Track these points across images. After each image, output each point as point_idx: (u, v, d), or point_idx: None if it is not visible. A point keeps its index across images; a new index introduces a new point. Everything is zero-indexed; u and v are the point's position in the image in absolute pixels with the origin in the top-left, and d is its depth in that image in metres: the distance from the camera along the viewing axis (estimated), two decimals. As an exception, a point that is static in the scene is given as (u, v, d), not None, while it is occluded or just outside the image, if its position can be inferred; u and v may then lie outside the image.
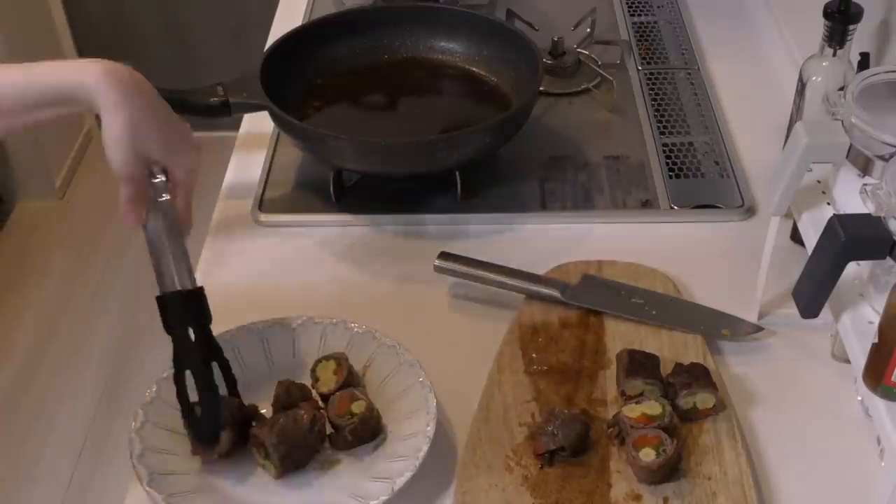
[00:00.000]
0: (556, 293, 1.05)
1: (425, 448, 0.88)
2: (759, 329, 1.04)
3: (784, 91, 1.24)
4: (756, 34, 1.56)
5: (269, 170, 1.29)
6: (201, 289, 0.90)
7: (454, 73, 1.38)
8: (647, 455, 0.86)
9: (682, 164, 1.28)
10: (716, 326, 1.03)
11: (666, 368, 0.96)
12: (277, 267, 1.16)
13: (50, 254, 2.70)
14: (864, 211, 0.82)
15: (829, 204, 0.94)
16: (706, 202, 1.22)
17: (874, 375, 0.78)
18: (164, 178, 0.90)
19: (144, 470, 0.87)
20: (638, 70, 1.48)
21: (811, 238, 0.91)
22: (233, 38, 2.83)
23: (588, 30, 1.51)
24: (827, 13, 1.06)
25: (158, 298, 0.88)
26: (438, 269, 1.09)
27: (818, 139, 0.89)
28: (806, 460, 0.92)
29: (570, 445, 0.88)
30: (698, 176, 1.26)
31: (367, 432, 0.91)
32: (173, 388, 0.92)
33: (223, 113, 1.20)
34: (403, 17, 1.40)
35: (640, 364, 0.95)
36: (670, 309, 1.05)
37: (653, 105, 1.39)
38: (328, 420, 0.92)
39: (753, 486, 0.87)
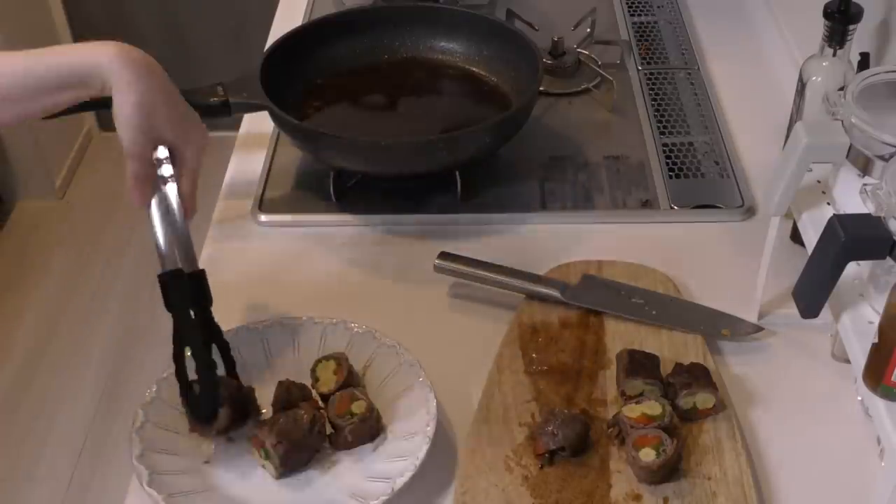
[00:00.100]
0: (556, 293, 1.05)
1: (425, 448, 0.88)
2: (759, 329, 1.04)
3: (784, 91, 1.24)
4: (756, 34, 1.56)
5: (269, 170, 1.29)
6: (203, 271, 0.92)
7: (454, 73, 1.38)
8: (647, 455, 0.86)
9: (682, 164, 1.28)
10: (716, 326, 1.03)
11: (666, 368, 0.96)
12: (277, 267, 1.16)
13: (50, 254, 2.70)
14: (864, 211, 0.82)
15: (829, 204, 0.94)
16: (706, 202, 1.22)
17: (874, 375, 0.78)
18: (170, 159, 0.91)
19: (144, 470, 0.87)
20: (638, 70, 1.48)
21: (811, 238, 0.91)
22: (233, 38, 2.83)
23: (588, 30, 1.51)
24: (827, 13, 1.06)
25: (160, 276, 0.90)
26: (438, 269, 1.09)
27: (818, 139, 0.89)
28: (806, 460, 0.92)
29: (570, 445, 0.88)
30: (698, 176, 1.26)
31: (367, 432, 0.91)
32: (173, 389, 0.93)
33: (223, 113, 1.20)
34: (403, 17, 1.40)
35: (640, 364, 0.95)
36: (670, 309, 1.05)
37: (653, 105, 1.39)
38: (328, 420, 0.92)
39: (753, 486, 0.87)
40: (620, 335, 1.02)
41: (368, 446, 0.91)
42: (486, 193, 1.24)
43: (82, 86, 0.87)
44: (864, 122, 0.86)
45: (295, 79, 1.32)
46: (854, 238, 0.79)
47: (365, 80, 1.38)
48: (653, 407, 0.90)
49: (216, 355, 0.91)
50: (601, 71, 1.44)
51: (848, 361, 0.90)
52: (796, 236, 1.07)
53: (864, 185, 0.83)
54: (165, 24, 2.84)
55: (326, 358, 0.96)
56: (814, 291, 0.86)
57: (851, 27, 1.06)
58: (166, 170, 0.91)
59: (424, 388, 0.94)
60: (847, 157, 0.89)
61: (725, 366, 1.01)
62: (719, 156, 1.29)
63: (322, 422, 0.91)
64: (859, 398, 0.95)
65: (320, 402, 0.94)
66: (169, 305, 0.89)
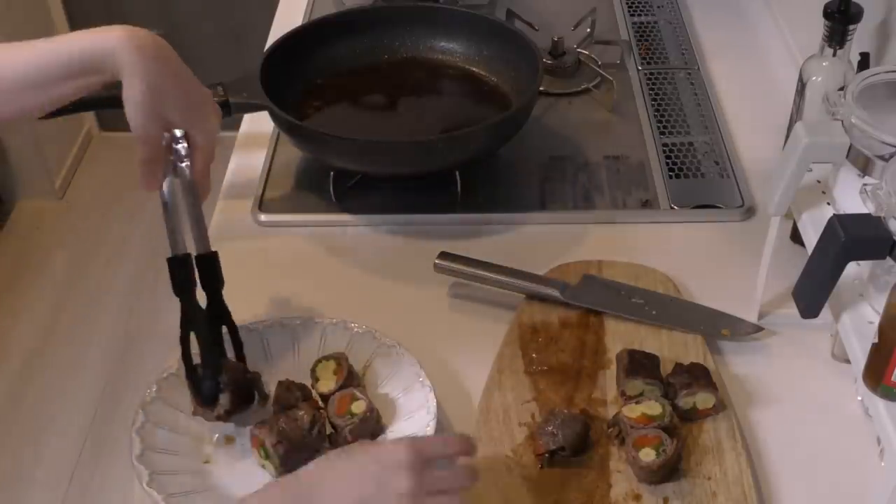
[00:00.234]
0: (556, 293, 1.05)
1: (425, 448, 0.88)
2: (759, 329, 1.04)
3: (784, 91, 1.24)
4: (756, 34, 1.56)
5: (269, 170, 1.29)
6: (215, 253, 0.93)
7: (454, 73, 1.38)
8: (647, 455, 0.86)
9: (682, 164, 1.28)
10: (716, 326, 1.03)
11: (666, 368, 0.96)
12: (277, 267, 1.16)
13: (50, 254, 2.70)
14: (864, 211, 0.82)
15: (829, 204, 0.94)
16: (706, 202, 1.22)
17: (874, 375, 0.78)
18: (182, 142, 0.92)
19: (144, 470, 0.87)
20: (638, 70, 1.48)
21: (811, 238, 0.91)
22: (233, 38, 2.83)
23: (588, 30, 1.51)
24: (827, 13, 1.06)
25: (168, 260, 0.91)
26: (438, 269, 1.09)
27: (818, 139, 0.89)
28: (806, 460, 0.92)
29: (570, 445, 0.88)
30: (698, 176, 1.26)
31: (367, 432, 0.91)
32: (173, 389, 0.93)
33: (223, 113, 1.20)
34: (403, 17, 1.40)
35: (640, 364, 0.95)
36: (670, 309, 1.05)
37: (653, 105, 1.39)
38: (328, 420, 0.92)
39: (753, 486, 0.87)
40: (620, 335, 1.02)
41: (368, 446, 0.91)
42: (486, 193, 1.24)
43: (95, 71, 0.87)
44: (864, 122, 0.86)
45: (295, 79, 1.32)
46: (854, 238, 0.79)
47: (365, 80, 1.38)
48: (653, 407, 0.90)
49: (226, 338, 0.94)
50: (601, 71, 1.44)
51: (848, 361, 0.90)
52: (796, 236, 1.07)
53: (864, 185, 0.83)
54: (165, 24, 2.84)
55: (326, 358, 0.96)
56: (814, 291, 0.86)
57: (851, 27, 1.06)
58: (178, 151, 0.92)
59: (424, 388, 0.94)
60: (847, 157, 0.89)
61: (725, 366, 1.01)
62: (719, 156, 1.29)
63: (322, 422, 0.91)
64: (859, 398, 0.95)
65: (320, 402, 0.94)
66: (176, 289, 0.91)
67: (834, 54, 1.08)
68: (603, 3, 1.62)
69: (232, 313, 0.96)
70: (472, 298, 1.10)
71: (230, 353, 0.95)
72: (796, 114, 1.15)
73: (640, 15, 1.62)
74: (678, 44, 1.54)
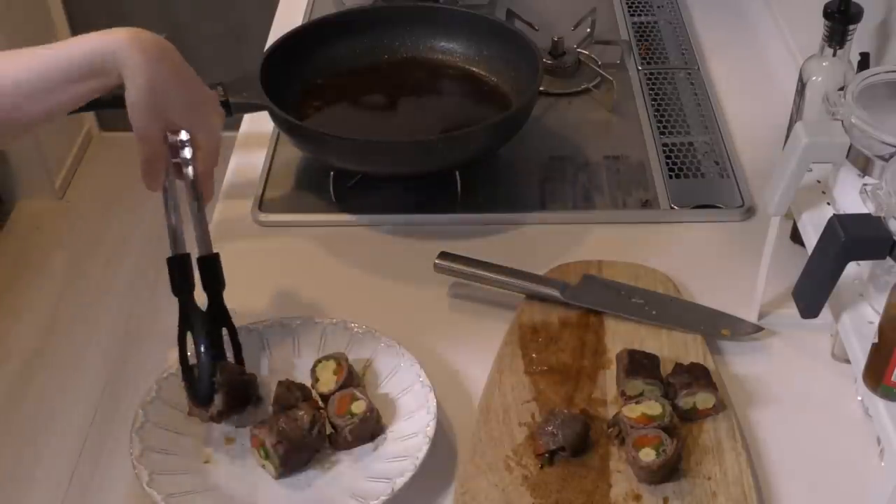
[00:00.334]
0: (556, 293, 1.05)
1: (425, 448, 0.88)
2: (759, 329, 1.04)
3: (784, 91, 1.24)
4: (756, 34, 1.56)
5: (269, 170, 1.29)
6: (217, 255, 0.94)
7: (454, 73, 1.38)
8: (647, 455, 0.86)
9: (682, 164, 1.28)
10: (716, 326, 1.03)
11: (666, 368, 0.96)
12: (277, 267, 1.16)
13: (50, 254, 2.70)
14: (864, 211, 0.82)
15: (829, 204, 0.94)
16: (706, 202, 1.22)
17: (874, 375, 0.78)
18: (187, 144, 0.92)
19: (144, 470, 0.87)
20: (638, 70, 1.48)
21: (811, 238, 0.91)
22: (233, 38, 2.83)
23: (588, 30, 1.51)
24: (827, 13, 1.06)
25: (168, 260, 0.92)
26: (438, 269, 1.09)
27: (818, 139, 0.89)
28: (806, 460, 0.92)
29: (570, 445, 0.88)
30: (698, 176, 1.26)
31: (367, 432, 0.91)
32: (173, 389, 0.94)
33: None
34: (403, 17, 1.40)
35: (640, 364, 0.95)
36: (670, 309, 1.05)
37: (653, 105, 1.39)
38: (328, 420, 0.92)
39: (753, 486, 0.87)
40: (620, 335, 1.02)
41: (368, 446, 0.91)
42: (486, 193, 1.24)
43: (101, 74, 0.87)
44: (864, 122, 0.86)
45: (295, 79, 1.32)
46: (854, 238, 0.79)
47: (365, 80, 1.38)
48: (653, 407, 0.90)
49: (226, 339, 0.94)
50: (601, 71, 1.44)
51: (848, 361, 0.90)
52: (796, 236, 1.07)
53: (864, 185, 0.83)
54: (165, 24, 2.84)
55: (326, 358, 0.96)
56: (814, 291, 0.86)
57: (851, 27, 1.06)
58: (183, 153, 0.92)
59: (424, 388, 0.94)
60: (847, 157, 0.89)
61: (725, 366, 1.01)
62: (719, 156, 1.29)
63: (322, 422, 0.91)
64: (859, 398, 0.95)
65: (320, 402, 0.94)
66: (174, 289, 0.91)
67: (834, 54, 1.08)
68: (603, 3, 1.62)
69: (232, 313, 0.96)
70: (472, 298, 1.10)
71: (229, 355, 0.95)
72: (796, 114, 1.15)
73: (640, 15, 1.62)
74: (678, 44, 1.54)
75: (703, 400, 0.92)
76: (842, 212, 0.90)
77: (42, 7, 2.78)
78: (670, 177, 1.26)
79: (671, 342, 1.01)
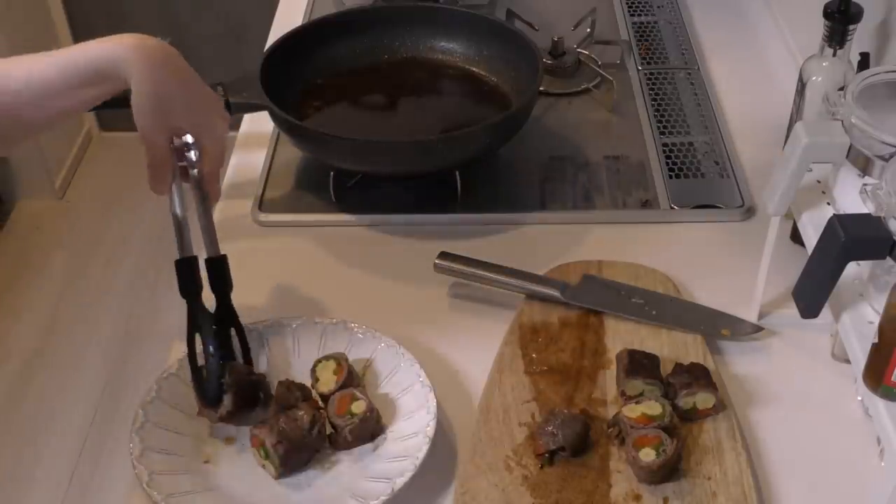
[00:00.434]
0: (556, 293, 1.05)
1: (425, 448, 0.88)
2: (759, 329, 1.04)
3: (784, 91, 1.24)
4: (756, 34, 1.56)
5: (269, 170, 1.29)
6: (224, 256, 0.95)
7: (454, 73, 1.38)
8: (647, 455, 0.86)
9: (682, 164, 1.28)
10: (716, 326, 1.03)
11: (666, 368, 0.96)
12: (277, 267, 1.16)
13: (50, 254, 2.70)
14: (864, 211, 0.82)
15: (829, 204, 0.94)
16: (706, 202, 1.22)
17: (874, 375, 0.78)
18: (193, 147, 0.93)
19: (144, 470, 0.87)
20: (638, 70, 1.48)
21: (811, 238, 0.91)
22: (233, 38, 2.83)
23: (588, 30, 1.51)
24: (827, 13, 1.06)
25: (176, 263, 0.93)
26: (438, 269, 1.09)
27: (818, 139, 0.89)
28: (806, 460, 0.92)
29: (570, 445, 0.88)
30: (698, 176, 1.26)
31: (367, 432, 0.91)
32: (173, 389, 0.94)
33: (223, 113, 1.20)
34: (403, 17, 1.40)
35: (640, 364, 0.95)
36: (670, 309, 1.05)
37: (653, 105, 1.39)
38: (328, 420, 0.92)
39: (753, 486, 0.87)
40: (620, 335, 1.02)
41: (368, 446, 0.91)
42: (486, 193, 1.24)
43: (106, 80, 0.88)
44: (864, 122, 0.86)
45: (295, 79, 1.32)
46: (854, 238, 0.79)
47: (365, 80, 1.38)
48: (653, 407, 0.90)
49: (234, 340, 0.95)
50: (601, 71, 1.44)
51: (848, 361, 0.90)
52: (796, 236, 1.07)
53: (864, 185, 0.83)
54: (165, 25, 2.84)
55: (326, 358, 0.96)
56: (814, 291, 0.86)
57: (851, 27, 1.06)
58: (189, 157, 0.92)
59: (424, 388, 0.94)
60: (847, 157, 0.89)
61: (725, 366, 1.01)
62: (719, 156, 1.29)
63: (322, 422, 0.91)
64: (859, 398, 0.95)
65: (320, 402, 0.94)
66: (182, 291, 0.92)
67: (834, 54, 1.08)
68: (603, 3, 1.62)
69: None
70: (472, 298, 1.10)
71: (238, 356, 0.95)
72: (796, 114, 1.15)
73: (640, 15, 1.62)
74: (678, 44, 1.54)
75: (703, 400, 0.92)
76: (842, 212, 0.90)
77: (42, 7, 2.78)
78: (670, 177, 1.26)
79: (671, 342, 1.01)
